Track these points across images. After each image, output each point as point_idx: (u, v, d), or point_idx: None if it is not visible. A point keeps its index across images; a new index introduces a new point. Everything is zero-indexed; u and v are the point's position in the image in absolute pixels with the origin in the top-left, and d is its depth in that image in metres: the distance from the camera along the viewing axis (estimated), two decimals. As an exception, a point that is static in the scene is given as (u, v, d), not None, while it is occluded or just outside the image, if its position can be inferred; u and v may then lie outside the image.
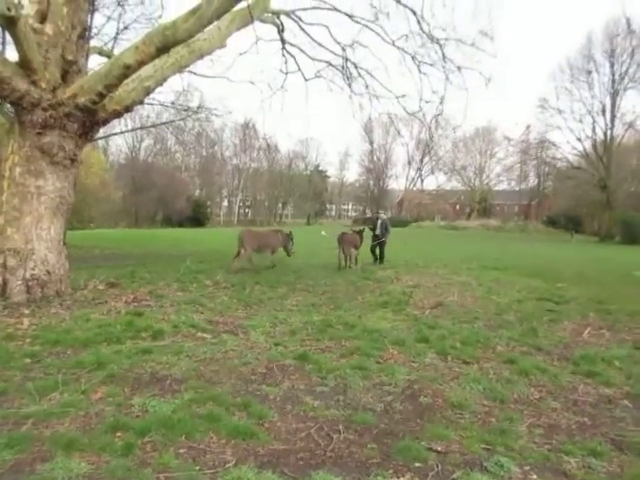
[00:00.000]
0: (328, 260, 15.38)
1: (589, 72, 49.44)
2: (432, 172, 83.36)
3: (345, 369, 4.96)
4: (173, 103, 21.09)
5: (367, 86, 14.54)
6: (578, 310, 8.71)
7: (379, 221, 15.89)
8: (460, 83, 13.12)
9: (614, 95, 49.22)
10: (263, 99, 15.42)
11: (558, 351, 6.04)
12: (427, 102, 13.93)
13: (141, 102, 9.43)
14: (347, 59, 14.19)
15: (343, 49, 14.04)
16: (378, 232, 15.69)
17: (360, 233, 14.69)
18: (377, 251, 15.73)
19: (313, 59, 14.32)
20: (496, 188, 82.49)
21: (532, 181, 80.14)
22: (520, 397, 4.47)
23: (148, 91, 9.06)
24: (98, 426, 3.51)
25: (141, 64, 7.94)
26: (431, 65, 13.36)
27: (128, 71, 7.91)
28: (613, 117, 49.82)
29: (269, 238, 13.46)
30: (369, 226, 15.95)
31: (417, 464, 3.22)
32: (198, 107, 21.78)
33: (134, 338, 5.83)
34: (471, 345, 6.08)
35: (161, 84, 9.28)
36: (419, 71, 13.56)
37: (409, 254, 19.87)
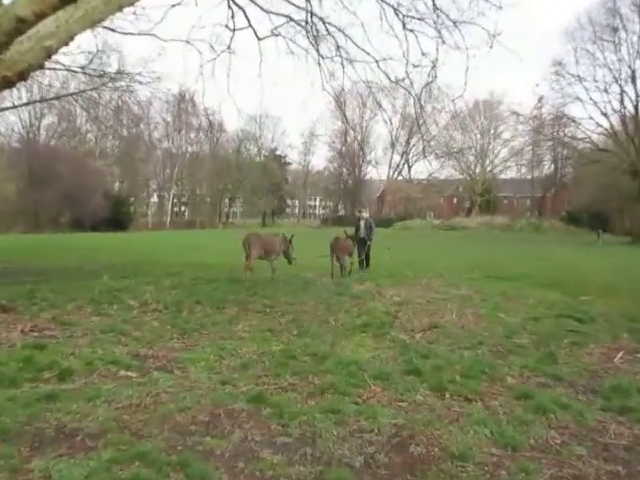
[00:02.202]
0: (289, 272, 15.35)
1: (615, 29, 50.62)
2: (424, 155, 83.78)
3: (314, 413, 4.95)
4: (84, 68, 20.78)
5: (338, 47, 14.62)
6: (607, 330, 8.92)
7: (362, 221, 16.56)
8: (457, 42, 13.28)
9: (646, 58, 50.53)
10: (203, 64, 15.22)
11: (583, 382, 6.16)
12: (415, 67, 14.10)
13: (40, 67, 9.24)
14: (312, 13, 14.22)
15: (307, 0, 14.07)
16: (363, 234, 16.19)
17: (353, 239, 15.66)
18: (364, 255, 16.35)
19: (268, 12, 14.32)
20: (502, 176, 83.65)
21: (547, 167, 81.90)
22: (537, 442, 4.53)
23: (49, 52, 8.88)
24: (-15, 499, 3.40)
25: (40, 17, 7.76)
26: (420, 19, 13.53)
27: (22, 26, 7.72)
28: (646, 86, 51.22)
29: (275, 243, 14.50)
30: (352, 234, 16.31)
31: (408, 533, 3.23)
32: (117, 72, 21.56)
33: (34, 380, 5.69)
34: (474, 377, 6.15)
35: (67, 43, 9.10)
36: (404, 27, 13.70)
37: (394, 262, 20.03)
